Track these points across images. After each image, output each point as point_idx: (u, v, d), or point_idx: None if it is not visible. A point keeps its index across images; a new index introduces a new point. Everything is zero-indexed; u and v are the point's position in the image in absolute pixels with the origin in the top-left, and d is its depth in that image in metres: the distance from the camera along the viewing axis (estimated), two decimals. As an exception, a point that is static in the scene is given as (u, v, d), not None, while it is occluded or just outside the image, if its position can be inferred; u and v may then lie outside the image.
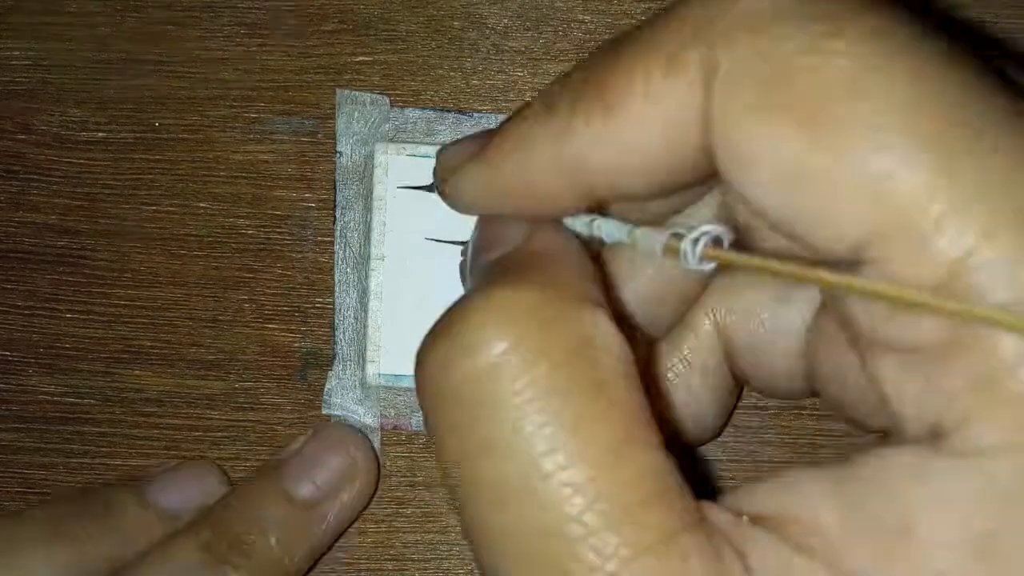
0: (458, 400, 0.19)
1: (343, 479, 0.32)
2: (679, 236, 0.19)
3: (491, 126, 0.34)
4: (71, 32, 0.34)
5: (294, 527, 0.31)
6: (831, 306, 0.20)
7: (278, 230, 0.34)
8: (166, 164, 0.34)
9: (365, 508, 0.33)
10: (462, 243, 0.33)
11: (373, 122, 0.34)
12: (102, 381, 0.34)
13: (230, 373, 0.34)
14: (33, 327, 0.34)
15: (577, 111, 0.20)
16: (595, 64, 0.20)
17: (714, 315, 0.27)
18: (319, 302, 0.34)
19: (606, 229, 0.22)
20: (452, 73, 0.34)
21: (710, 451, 0.33)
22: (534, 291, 0.19)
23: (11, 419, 0.34)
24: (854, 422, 0.25)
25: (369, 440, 0.33)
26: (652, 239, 0.20)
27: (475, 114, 0.34)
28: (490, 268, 0.22)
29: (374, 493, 0.33)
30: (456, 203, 0.24)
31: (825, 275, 0.18)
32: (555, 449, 0.18)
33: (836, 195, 0.17)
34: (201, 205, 0.34)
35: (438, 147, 0.33)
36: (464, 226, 0.33)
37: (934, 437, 0.17)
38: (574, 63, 0.33)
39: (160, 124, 0.34)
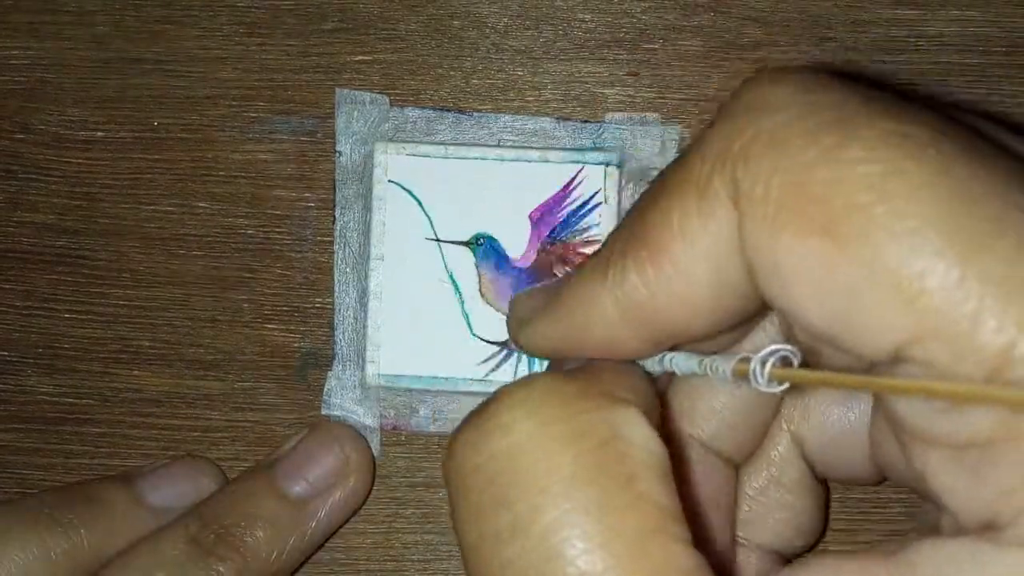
0: (480, 482, 0.19)
1: (336, 477, 0.32)
2: (746, 360, 0.20)
3: (491, 126, 0.34)
4: (69, 31, 0.34)
5: (284, 523, 0.31)
6: (879, 405, 0.20)
7: (278, 230, 0.34)
8: (165, 164, 0.34)
9: (360, 506, 0.33)
10: (462, 243, 0.33)
11: (373, 121, 0.34)
12: (101, 381, 0.34)
13: (229, 373, 0.34)
14: (31, 327, 0.34)
15: (627, 261, 0.20)
16: (637, 211, 0.21)
17: (787, 427, 0.27)
18: (319, 302, 0.34)
19: (677, 362, 0.22)
20: (452, 72, 0.34)
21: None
22: (570, 384, 0.20)
23: (10, 419, 0.34)
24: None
25: (365, 439, 0.33)
26: (721, 365, 0.21)
27: (475, 114, 0.34)
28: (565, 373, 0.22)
29: (370, 491, 0.33)
30: (532, 352, 0.25)
31: (880, 381, 0.18)
32: (575, 536, 0.18)
33: (869, 303, 0.17)
34: (200, 205, 0.34)
35: (437, 146, 0.33)
36: (464, 226, 0.33)
37: (989, 528, 0.17)
38: (574, 63, 0.33)
39: (159, 123, 0.34)
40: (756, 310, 0.21)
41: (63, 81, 0.34)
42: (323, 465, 0.32)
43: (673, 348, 0.23)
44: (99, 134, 0.34)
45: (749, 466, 0.28)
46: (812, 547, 0.30)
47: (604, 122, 0.34)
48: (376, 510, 0.34)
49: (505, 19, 0.34)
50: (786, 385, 0.19)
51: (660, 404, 0.22)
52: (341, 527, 0.33)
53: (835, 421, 0.26)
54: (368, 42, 0.34)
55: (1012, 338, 0.16)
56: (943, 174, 0.17)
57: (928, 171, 0.17)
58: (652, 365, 0.23)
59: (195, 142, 0.34)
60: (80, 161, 0.34)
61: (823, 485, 0.29)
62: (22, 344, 0.34)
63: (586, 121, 0.34)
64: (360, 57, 0.34)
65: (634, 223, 0.21)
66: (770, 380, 0.19)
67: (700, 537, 0.19)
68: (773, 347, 0.19)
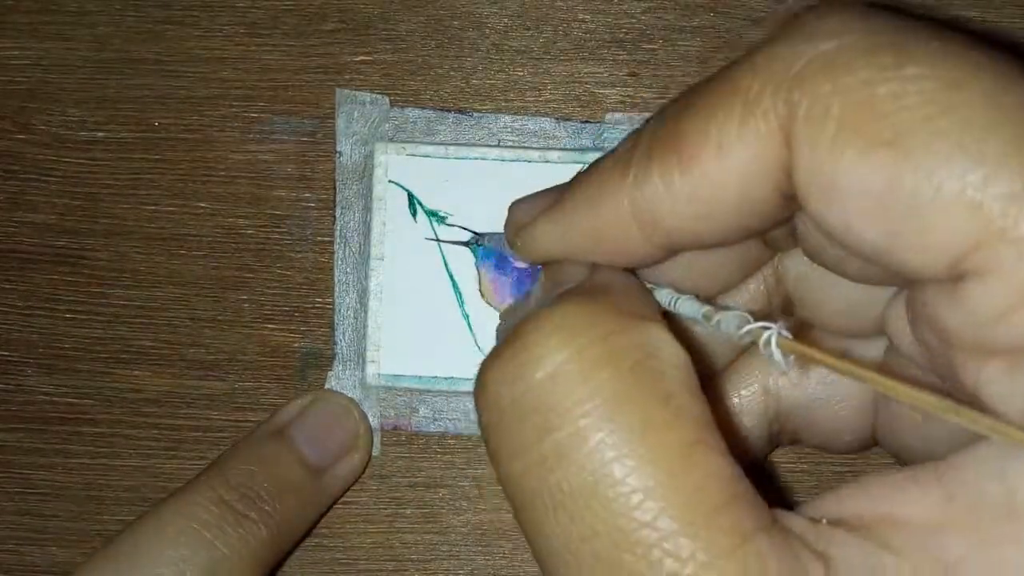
0: (522, 413, 0.19)
1: (348, 448, 0.33)
2: (754, 325, 0.20)
3: (491, 126, 0.34)
4: (70, 31, 0.34)
5: (308, 491, 0.31)
6: (919, 334, 0.20)
7: (278, 230, 0.34)
8: (166, 164, 0.34)
9: (357, 480, 0.33)
10: (462, 243, 0.33)
11: (373, 122, 0.34)
12: (101, 381, 0.34)
13: (230, 373, 0.34)
14: (32, 327, 0.34)
15: (652, 164, 0.20)
16: (670, 116, 0.20)
17: (763, 379, 0.27)
18: (319, 302, 0.34)
19: (683, 308, 0.22)
20: (452, 73, 0.34)
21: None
22: (594, 306, 0.20)
23: (10, 419, 0.34)
24: None
25: (365, 414, 0.33)
26: (726, 324, 0.21)
27: (475, 114, 0.34)
28: (554, 297, 0.22)
29: (366, 467, 0.34)
30: (529, 255, 0.24)
31: (882, 379, 0.18)
32: (624, 455, 0.18)
33: (932, 212, 0.17)
34: (201, 205, 0.34)
35: (437, 146, 0.33)
36: (465, 226, 0.33)
37: None
38: (574, 63, 0.33)
39: (160, 124, 0.34)
40: (772, 227, 0.21)
41: (64, 81, 0.34)
42: (339, 435, 0.33)
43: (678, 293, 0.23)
44: (100, 134, 0.34)
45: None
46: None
47: (604, 122, 0.34)
48: (376, 510, 0.34)
49: (505, 19, 0.34)
50: (791, 359, 0.19)
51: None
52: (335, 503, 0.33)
53: (818, 379, 0.26)
54: (368, 42, 0.34)
55: None
56: (1002, 86, 0.18)
57: (986, 84, 0.18)
58: (660, 300, 0.23)
59: (195, 142, 0.34)
60: (81, 161, 0.34)
61: (770, 449, 0.28)
62: (23, 344, 0.34)
63: (586, 121, 0.34)
64: (360, 57, 0.34)
65: (664, 127, 0.20)
66: (782, 354, 0.20)
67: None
68: (764, 324, 0.20)
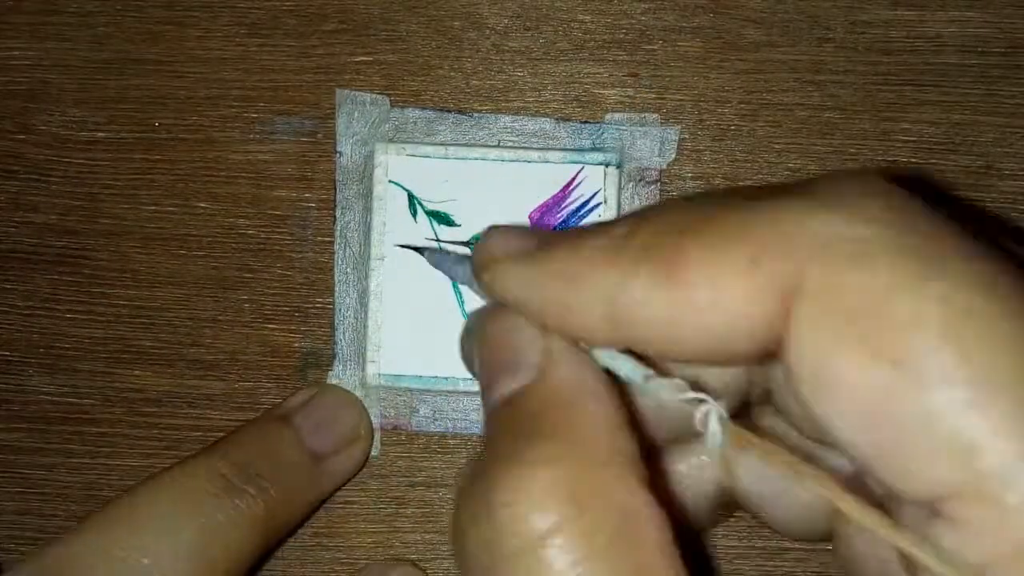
0: (485, 561, 0.19)
1: (350, 438, 0.33)
2: (698, 401, 0.19)
3: (491, 126, 0.34)
4: (71, 32, 0.34)
5: (307, 477, 0.31)
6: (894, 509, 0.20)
7: (278, 230, 0.34)
8: (166, 164, 0.34)
9: (358, 472, 0.33)
10: (462, 243, 0.33)
11: (373, 122, 0.34)
12: (102, 381, 0.34)
13: (230, 373, 0.34)
14: (33, 327, 0.34)
15: (641, 269, 0.19)
16: (677, 225, 0.20)
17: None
18: (319, 302, 0.34)
19: (623, 368, 0.21)
20: (452, 73, 0.34)
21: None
22: (569, 466, 0.19)
23: (11, 419, 0.34)
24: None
25: (367, 410, 0.34)
26: (665, 395, 0.20)
27: (475, 114, 0.34)
28: (507, 416, 0.21)
29: (367, 460, 0.34)
30: (491, 293, 0.23)
31: (828, 488, 0.18)
32: None
33: (918, 443, 0.17)
34: (201, 205, 0.34)
35: (438, 147, 0.33)
36: (465, 226, 0.33)
37: None
38: (574, 63, 0.33)
39: (160, 124, 0.34)
40: (745, 363, 0.21)
41: (64, 82, 0.34)
42: (342, 425, 0.33)
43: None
44: (100, 135, 0.34)
45: (670, 452, 0.26)
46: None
47: (604, 123, 0.34)
48: (376, 510, 0.34)
49: (505, 20, 0.34)
50: (723, 439, 0.19)
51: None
52: (324, 512, 0.33)
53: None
54: (368, 43, 0.34)
55: None
56: (1016, 318, 0.17)
57: (1009, 329, 0.17)
58: (599, 355, 0.22)
59: (196, 142, 0.34)
60: (81, 161, 0.34)
61: (723, 518, 0.28)
62: (23, 344, 0.34)
63: (586, 122, 0.34)
64: (361, 58, 0.34)
65: (668, 236, 0.19)
66: (718, 436, 0.19)
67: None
68: (716, 404, 0.19)
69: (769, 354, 0.19)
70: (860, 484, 0.20)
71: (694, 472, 0.26)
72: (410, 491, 0.34)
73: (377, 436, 0.34)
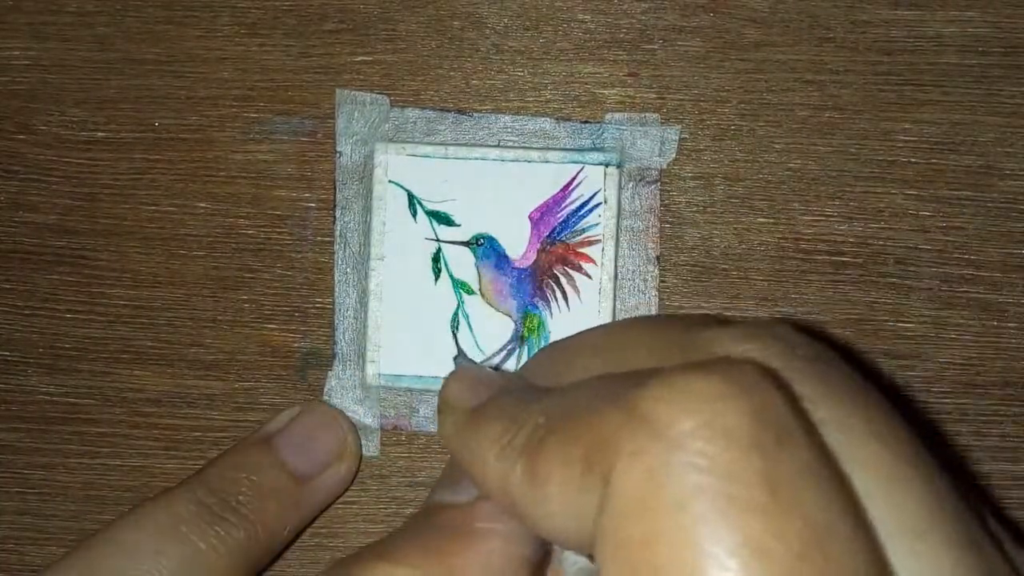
0: None
1: (334, 457, 0.33)
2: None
3: (491, 126, 0.34)
4: (71, 32, 0.34)
5: (290, 498, 0.32)
6: None
7: (278, 230, 0.34)
8: (166, 164, 0.34)
9: (345, 491, 0.34)
10: (462, 243, 0.33)
11: (373, 122, 0.34)
12: (102, 381, 0.34)
13: (230, 373, 0.34)
14: (33, 327, 0.34)
15: (518, 464, 0.21)
16: (548, 422, 0.21)
17: None
18: (319, 302, 0.34)
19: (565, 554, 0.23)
20: (452, 73, 0.34)
21: None
22: None
23: (11, 419, 0.34)
24: None
25: (354, 425, 0.33)
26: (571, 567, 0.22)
27: (475, 114, 0.34)
28: (428, 514, 0.23)
29: (353, 480, 0.34)
30: (442, 439, 0.25)
31: None
32: None
33: None
34: (201, 205, 0.34)
35: (437, 147, 0.33)
36: (465, 226, 0.33)
37: None
38: (574, 63, 0.33)
39: (160, 124, 0.34)
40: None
41: (64, 82, 0.34)
42: (324, 444, 0.33)
43: None
44: (100, 135, 0.34)
45: None
46: None
47: (604, 122, 0.34)
48: (376, 510, 0.34)
49: (505, 20, 0.34)
50: None
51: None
52: (323, 513, 0.33)
53: None
54: (368, 42, 0.34)
55: None
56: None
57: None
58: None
59: (196, 142, 0.34)
60: (81, 161, 0.34)
61: None
62: (23, 344, 0.34)
63: (586, 121, 0.34)
64: (360, 57, 0.34)
65: (540, 430, 0.21)
66: None
67: None
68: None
69: None
70: None
71: None
72: (410, 491, 0.34)
73: (377, 436, 0.34)
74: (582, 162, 0.33)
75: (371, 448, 0.34)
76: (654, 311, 0.34)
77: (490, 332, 0.33)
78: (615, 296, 0.33)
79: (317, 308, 0.34)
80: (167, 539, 0.29)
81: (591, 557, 0.20)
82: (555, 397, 0.22)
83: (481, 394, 0.24)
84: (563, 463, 0.20)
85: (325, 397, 0.34)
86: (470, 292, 0.33)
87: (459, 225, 0.33)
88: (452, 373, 0.25)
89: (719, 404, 0.17)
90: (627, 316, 0.34)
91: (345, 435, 0.33)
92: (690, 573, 0.16)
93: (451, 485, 0.23)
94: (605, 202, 0.33)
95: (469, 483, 0.23)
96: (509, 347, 0.33)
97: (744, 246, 0.34)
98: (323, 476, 0.32)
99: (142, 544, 0.29)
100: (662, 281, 0.34)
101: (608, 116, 0.34)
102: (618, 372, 0.21)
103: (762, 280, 0.34)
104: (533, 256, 0.33)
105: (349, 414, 0.34)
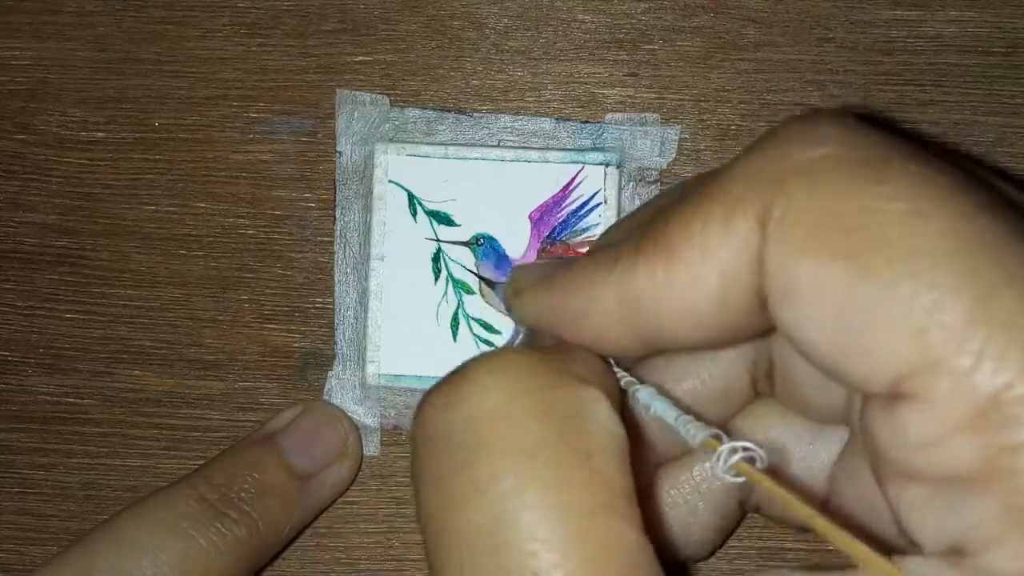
0: (446, 442, 0.20)
1: (336, 455, 0.33)
2: (719, 439, 0.20)
3: (491, 126, 0.34)
4: (70, 32, 0.34)
5: (292, 496, 0.31)
6: (860, 440, 0.20)
7: (278, 230, 0.34)
8: (166, 164, 0.34)
9: (346, 491, 0.33)
10: (462, 243, 0.33)
11: (373, 122, 0.34)
12: (102, 381, 0.34)
13: (230, 373, 0.34)
14: (33, 327, 0.34)
15: (639, 259, 0.21)
16: (659, 211, 0.21)
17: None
18: (319, 302, 0.34)
19: (656, 405, 0.23)
20: (452, 73, 0.34)
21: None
22: (543, 361, 0.20)
23: (11, 419, 0.34)
24: None
25: (355, 425, 0.33)
26: (694, 432, 0.21)
27: (475, 114, 0.34)
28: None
29: (354, 480, 0.34)
30: (522, 321, 0.25)
31: (824, 522, 0.18)
32: (529, 505, 0.18)
33: (878, 329, 0.18)
34: (201, 205, 0.34)
35: (437, 147, 0.33)
36: (464, 226, 0.33)
37: (954, 554, 0.18)
38: (574, 63, 0.33)
39: (160, 124, 0.34)
40: (751, 336, 0.22)
41: (64, 81, 0.34)
42: (326, 442, 0.33)
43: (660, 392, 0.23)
44: (100, 134, 0.34)
45: (678, 462, 0.28)
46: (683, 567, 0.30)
47: (604, 122, 0.34)
48: (376, 510, 0.34)
49: (505, 20, 0.34)
50: (742, 479, 0.20)
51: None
52: (325, 511, 0.33)
53: (798, 454, 0.27)
54: (368, 42, 0.34)
55: (1008, 381, 0.17)
56: (965, 220, 0.18)
57: (952, 215, 0.18)
58: (630, 390, 0.23)
59: (196, 142, 0.34)
60: (81, 161, 0.34)
61: (741, 515, 0.29)
62: (23, 344, 0.34)
63: (586, 121, 0.34)
64: (360, 57, 0.34)
65: (652, 224, 0.21)
66: (729, 471, 0.20)
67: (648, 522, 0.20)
68: (743, 442, 0.20)
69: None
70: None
71: (699, 481, 0.27)
72: (410, 491, 0.34)
73: (377, 436, 0.34)
74: (582, 162, 0.33)
75: (371, 448, 0.34)
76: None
77: (490, 332, 0.33)
78: (615, 296, 0.33)
79: (317, 308, 0.34)
80: (168, 535, 0.29)
81: (720, 434, 0.20)
82: (634, 213, 0.22)
83: (552, 268, 0.24)
84: (700, 224, 0.20)
85: (325, 397, 0.34)
86: (470, 292, 0.33)
87: (459, 225, 0.33)
88: (512, 270, 0.25)
89: (830, 114, 0.20)
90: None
91: (347, 434, 0.33)
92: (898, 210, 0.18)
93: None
94: (605, 202, 0.33)
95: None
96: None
97: (744, 246, 0.34)
98: (324, 475, 0.32)
99: (142, 540, 0.29)
100: (662, 281, 0.34)
101: (608, 116, 0.34)
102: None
103: (762, 280, 0.34)
104: (533, 256, 0.33)
105: (349, 414, 0.34)
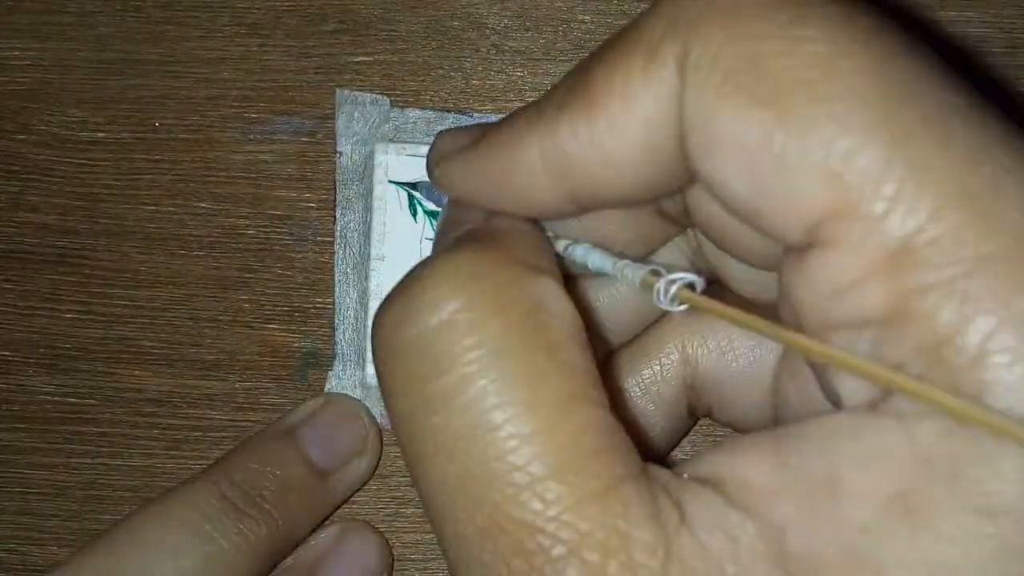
0: (411, 356, 0.20)
1: (355, 451, 0.33)
2: (657, 274, 0.21)
3: (491, 126, 0.34)
4: (71, 32, 0.34)
5: (312, 493, 0.31)
6: (782, 300, 0.20)
7: (278, 230, 0.34)
8: (166, 164, 0.34)
9: (363, 485, 0.33)
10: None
11: (373, 122, 0.34)
12: (102, 381, 0.34)
13: (230, 373, 0.34)
14: (33, 327, 0.34)
15: (563, 112, 0.20)
16: (583, 66, 0.21)
17: (683, 348, 0.27)
18: (319, 302, 0.34)
19: (592, 258, 0.23)
20: (452, 73, 0.34)
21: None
22: (489, 256, 0.20)
23: (11, 419, 0.34)
24: None
25: (375, 419, 0.33)
26: (632, 273, 0.21)
27: (475, 114, 0.34)
28: (452, 241, 0.22)
29: (375, 472, 0.34)
30: (445, 188, 0.24)
31: (788, 334, 0.18)
32: (504, 403, 0.19)
33: (795, 175, 0.18)
34: (201, 205, 0.34)
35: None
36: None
37: (872, 404, 0.18)
38: (574, 63, 0.33)
39: (160, 124, 0.34)
40: (677, 187, 0.21)
41: (65, 82, 0.34)
42: (347, 438, 0.33)
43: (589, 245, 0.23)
44: (100, 135, 0.34)
45: (627, 357, 0.28)
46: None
47: (604, 122, 0.34)
48: (376, 510, 0.34)
49: (505, 20, 0.34)
50: (684, 307, 0.20)
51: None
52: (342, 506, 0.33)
53: (743, 354, 0.26)
54: (368, 43, 0.34)
55: (920, 224, 0.17)
56: (886, 62, 0.18)
57: (872, 57, 0.18)
58: (565, 251, 0.23)
59: (196, 143, 0.34)
60: (81, 162, 0.34)
61: (691, 421, 0.29)
62: (24, 344, 0.34)
63: (586, 121, 0.34)
64: (361, 58, 0.34)
65: (576, 78, 0.21)
66: (674, 300, 0.20)
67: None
68: (682, 273, 0.20)
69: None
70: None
71: (665, 371, 0.27)
72: (410, 491, 0.34)
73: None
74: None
75: (378, 460, 0.34)
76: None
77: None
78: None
79: (317, 308, 0.34)
80: (189, 537, 0.29)
81: (660, 269, 0.20)
82: (577, 67, 0.21)
83: (475, 132, 0.23)
84: (621, 73, 0.19)
85: (325, 397, 0.34)
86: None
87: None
88: (436, 136, 0.24)
89: None
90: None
91: (367, 429, 0.33)
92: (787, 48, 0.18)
93: (455, 228, 0.23)
94: (605, 202, 0.33)
95: (471, 219, 0.23)
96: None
97: (744, 246, 0.34)
98: (344, 471, 0.32)
99: (165, 541, 0.29)
100: (662, 281, 0.34)
101: (608, 116, 0.34)
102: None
103: (762, 280, 0.34)
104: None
105: (349, 414, 0.34)
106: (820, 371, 0.19)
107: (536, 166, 0.21)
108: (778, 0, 0.19)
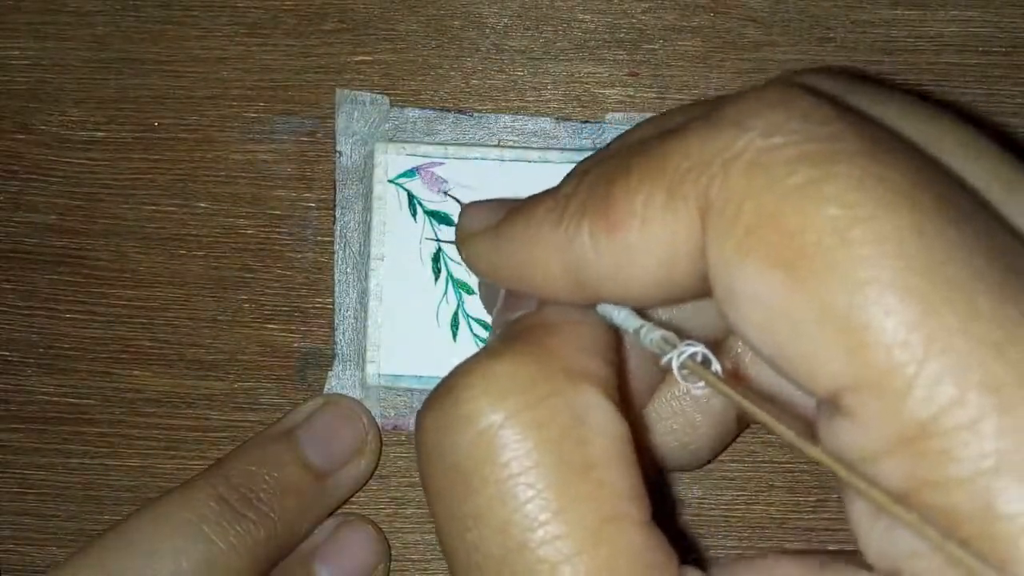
0: (449, 468, 0.20)
1: (354, 453, 0.33)
2: (671, 343, 0.20)
3: (491, 126, 0.34)
4: (70, 32, 0.34)
5: (310, 495, 0.32)
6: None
7: (278, 230, 0.34)
8: (166, 164, 0.34)
9: (363, 486, 0.33)
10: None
11: (373, 122, 0.34)
12: (101, 381, 0.34)
13: (230, 373, 0.34)
14: (32, 327, 0.34)
15: (584, 221, 0.20)
16: (607, 174, 0.20)
17: (737, 359, 0.27)
18: (319, 302, 0.34)
19: (617, 317, 0.22)
20: (452, 73, 0.34)
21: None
22: (532, 363, 0.20)
23: (11, 419, 0.34)
24: None
25: (375, 420, 0.33)
26: (652, 337, 0.21)
27: (475, 114, 0.34)
28: (502, 334, 0.22)
29: (371, 475, 0.34)
30: (472, 269, 0.24)
31: (794, 438, 0.18)
32: (537, 526, 0.19)
33: (815, 345, 0.17)
34: (201, 205, 0.34)
35: (437, 146, 0.33)
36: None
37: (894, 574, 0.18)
38: (574, 63, 0.33)
39: (159, 124, 0.34)
40: (700, 296, 0.21)
41: (64, 81, 0.34)
42: (345, 440, 0.33)
43: None
44: (100, 134, 0.34)
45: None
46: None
47: (604, 122, 0.34)
48: (376, 510, 0.34)
49: (505, 19, 0.34)
50: (701, 383, 0.20)
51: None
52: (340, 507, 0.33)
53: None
54: (368, 42, 0.34)
55: (937, 411, 0.16)
56: (911, 229, 0.17)
57: (896, 223, 0.17)
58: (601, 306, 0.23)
59: (195, 142, 0.34)
60: (81, 161, 0.34)
61: (738, 429, 0.29)
62: (23, 344, 0.34)
63: (586, 121, 0.34)
64: (360, 57, 0.34)
65: (601, 181, 0.20)
66: (684, 373, 0.20)
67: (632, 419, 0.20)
68: (693, 347, 0.20)
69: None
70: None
71: (686, 408, 0.27)
72: (410, 491, 0.34)
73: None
74: (582, 162, 0.33)
75: (378, 460, 0.34)
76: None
77: (491, 333, 0.33)
78: (615, 296, 0.33)
79: (317, 308, 0.34)
80: (187, 539, 0.29)
81: (674, 339, 0.20)
82: (596, 159, 0.21)
83: (500, 211, 0.23)
84: (643, 199, 0.19)
85: (325, 397, 0.34)
86: (470, 292, 0.33)
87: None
88: (462, 209, 0.24)
89: (794, 95, 0.19)
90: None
91: (366, 430, 0.33)
92: (825, 213, 0.17)
93: (511, 310, 0.23)
94: (605, 202, 0.33)
95: (523, 302, 0.23)
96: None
97: (744, 246, 0.34)
98: (342, 472, 0.32)
99: (162, 544, 0.29)
100: (662, 281, 0.34)
101: (608, 116, 0.34)
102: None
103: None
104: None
105: (349, 414, 0.34)
106: (851, 521, 0.19)
107: (554, 268, 0.21)
108: (805, 154, 0.18)
